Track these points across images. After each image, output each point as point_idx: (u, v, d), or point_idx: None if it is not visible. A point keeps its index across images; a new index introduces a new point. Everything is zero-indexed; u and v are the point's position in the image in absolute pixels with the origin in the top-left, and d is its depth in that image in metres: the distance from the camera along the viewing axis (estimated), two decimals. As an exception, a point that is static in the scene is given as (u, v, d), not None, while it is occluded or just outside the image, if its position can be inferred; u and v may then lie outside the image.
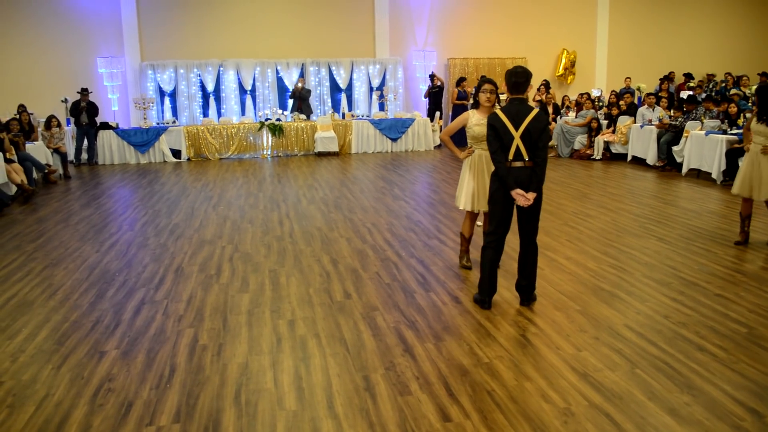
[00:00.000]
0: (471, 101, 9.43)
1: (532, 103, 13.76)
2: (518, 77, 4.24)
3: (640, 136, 11.43)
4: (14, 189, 9.09)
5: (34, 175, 10.05)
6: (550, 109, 13.92)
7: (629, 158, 11.76)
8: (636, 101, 13.86)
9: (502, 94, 10.93)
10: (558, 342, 3.86)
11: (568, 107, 13.81)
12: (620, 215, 7.32)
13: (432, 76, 15.08)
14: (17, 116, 11.12)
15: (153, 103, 14.22)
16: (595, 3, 16.88)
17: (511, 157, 4.20)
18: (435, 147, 14.69)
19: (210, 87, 14.76)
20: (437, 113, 15.04)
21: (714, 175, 9.30)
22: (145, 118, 13.86)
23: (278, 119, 14.09)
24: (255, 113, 14.88)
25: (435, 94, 15.11)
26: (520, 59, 15.99)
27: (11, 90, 13.46)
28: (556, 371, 3.47)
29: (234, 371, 3.55)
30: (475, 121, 5.00)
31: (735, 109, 9.90)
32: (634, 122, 11.87)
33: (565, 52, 16.73)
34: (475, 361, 3.62)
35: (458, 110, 13.96)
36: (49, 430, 3.00)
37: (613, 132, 12.23)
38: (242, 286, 5.07)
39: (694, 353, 3.67)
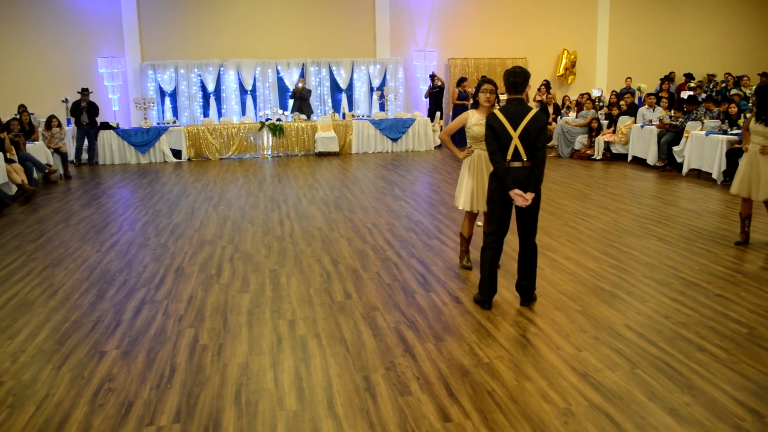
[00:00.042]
0: (471, 101, 9.42)
1: (532, 104, 13.81)
2: (516, 77, 4.24)
3: (640, 137, 11.43)
4: (15, 189, 9.10)
5: (35, 175, 10.06)
6: (551, 110, 13.93)
7: (630, 158, 11.76)
8: (636, 101, 13.87)
9: (503, 94, 10.92)
10: (558, 342, 3.86)
11: (568, 107, 13.82)
12: (620, 215, 7.32)
13: (432, 77, 15.08)
14: (18, 116, 11.13)
15: (153, 103, 14.23)
16: (595, 3, 16.88)
17: (509, 157, 4.20)
18: (435, 147, 14.68)
19: (210, 87, 14.77)
20: (438, 113, 15.04)
21: (714, 176, 9.30)
22: (145, 118, 13.87)
23: (279, 119, 14.09)
24: (255, 113, 14.89)
25: (435, 95, 15.11)
26: (520, 59, 16.00)
27: (12, 90, 13.47)
28: (556, 371, 3.47)
29: (234, 371, 3.55)
30: (475, 121, 5.00)
31: (735, 109, 9.90)
32: (635, 122, 11.87)
33: (566, 52, 16.74)
34: (476, 361, 3.62)
35: (459, 110, 13.96)
36: (49, 430, 3.01)
37: (614, 132, 12.23)
38: (243, 286, 5.07)
39: (694, 353, 3.67)
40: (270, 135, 13.85)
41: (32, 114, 12.15)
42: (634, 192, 8.85)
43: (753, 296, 4.60)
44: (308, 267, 5.54)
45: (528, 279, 4.44)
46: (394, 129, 14.39)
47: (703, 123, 10.20)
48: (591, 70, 17.16)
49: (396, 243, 6.28)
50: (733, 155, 8.96)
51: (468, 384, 3.34)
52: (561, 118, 13.40)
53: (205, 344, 3.94)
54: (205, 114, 14.86)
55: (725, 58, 17.67)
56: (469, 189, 5.09)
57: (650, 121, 11.45)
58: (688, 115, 10.65)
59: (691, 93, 13.18)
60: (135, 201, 9.07)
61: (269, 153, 13.91)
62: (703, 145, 9.62)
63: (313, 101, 15.12)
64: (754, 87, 12.68)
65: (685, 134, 10.18)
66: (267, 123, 13.82)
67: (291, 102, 14.87)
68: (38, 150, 10.73)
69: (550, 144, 13.26)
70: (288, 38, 15.11)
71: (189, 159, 13.51)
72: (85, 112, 12.75)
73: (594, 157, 12.25)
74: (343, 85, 15.44)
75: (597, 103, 14.06)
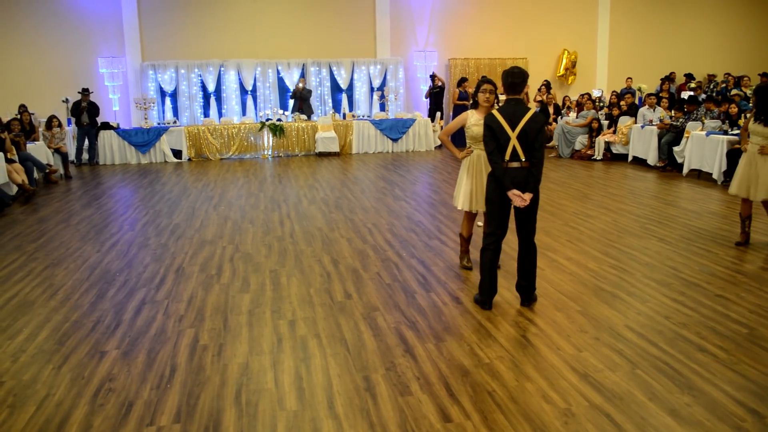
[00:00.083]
0: (471, 101, 9.42)
1: (532, 104, 13.81)
2: (515, 77, 4.24)
3: (640, 137, 11.43)
4: (15, 189, 9.10)
5: (35, 175, 10.06)
6: (551, 110, 13.93)
7: (630, 159, 11.76)
8: (637, 101, 13.87)
9: (503, 94, 10.92)
10: (558, 342, 3.86)
11: (568, 107, 13.82)
12: (621, 216, 7.32)
13: (433, 77, 15.08)
14: (18, 116, 11.14)
15: (154, 103, 14.24)
16: (595, 3, 16.88)
17: (507, 157, 4.19)
18: (436, 147, 14.68)
19: (211, 87, 14.77)
20: (438, 114, 15.04)
21: (715, 176, 9.30)
22: (146, 118, 13.88)
23: (279, 119, 14.09)
24: (256, 113, 14.89)
25: (436, 95, 15.11)
26: (521, 59, 16.00)
27: (12, 90, 13.47)
28: (556, 372, 3.47)
29: (234, 371, 3.55)
30: (474, 121, 5.00)
31: (736, 109, 9.89)
32: (635, 123, 11.87)
33: (566, 52, 16.73)
34: (476, 361, 3.62)
35: (459, 111, 13.95)
36: (49, 430, 3.01)
37: (614, 132, 12.23)
38: (243, 286, 5.07)
39: (694, 354, 3.67)
40: (270, 135, 13.85)
41: (33, 114, 12.16)
42: (635, 192, 8.85)
43: (753, 297, 4.60)
44: (308, 267, 5.54)
45: (528, 279, 4.44)
46: (395, 129, 14.40)
47: (703, 123, 10.20)
48: (591, 71, 17.16)
49: (396, 243, 6.28)
50: (734, 155, 8.95)
51: (468, 384, 3.34)
52: (561, 118, 13.40)
53: (205, 344, 3.94)
54: (206, 114, 14.86)
55: (725, 58, 17.67)
56: (468, 189, 5.09)
57: (651, 121, 11.45)
58: (688, 116, 10.65)
59: (692, 93, 13.18)
60: (135, 201, 9.07)
61: (269, 153, 13.92)
62: (703, 146, 9.62)
63: (314, 101, 15.12)
64: (754, 87, 12.68)
65: (685, 134, 10.18)
66: (267, 123, 13.82)
67: (291, 102, 14.87)
68: (39, 150, 10.74)
69: (550, 144, 13.26)
70: (288, 38, 15.11)
71: (189, 159, 13.51)
72: (86, 112, 12.75)
73: (594, 157, 12.25)
74: (343, 85, 15.44)
75: (597, 104, 14.06)
